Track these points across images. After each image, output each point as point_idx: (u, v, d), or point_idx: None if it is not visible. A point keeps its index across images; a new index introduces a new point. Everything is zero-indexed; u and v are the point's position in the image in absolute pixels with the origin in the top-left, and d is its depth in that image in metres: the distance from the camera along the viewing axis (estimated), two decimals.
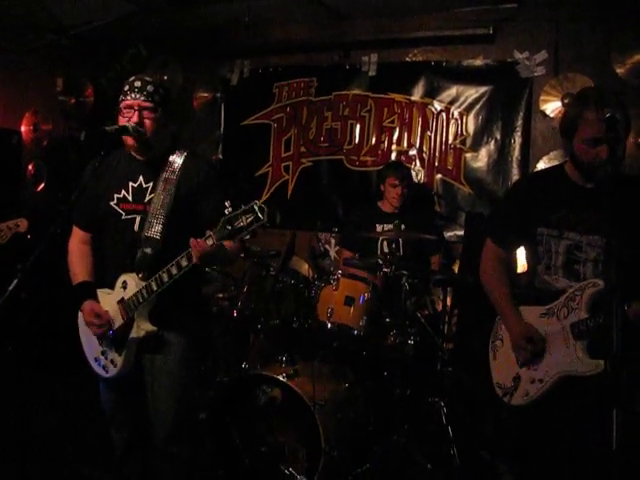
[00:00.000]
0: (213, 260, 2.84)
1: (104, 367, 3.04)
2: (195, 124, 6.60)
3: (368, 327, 4.22)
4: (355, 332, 4.19)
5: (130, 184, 2.97)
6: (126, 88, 2.88)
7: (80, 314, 3.10)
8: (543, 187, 2.85)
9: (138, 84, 2.87)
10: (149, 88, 2.87)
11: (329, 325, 4.17)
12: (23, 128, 6.55)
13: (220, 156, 6.53)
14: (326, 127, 6.12)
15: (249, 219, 2.47)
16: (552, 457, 2.72)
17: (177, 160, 2.98)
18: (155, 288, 2.82)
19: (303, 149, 6.22)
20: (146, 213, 2.90)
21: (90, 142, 6.62)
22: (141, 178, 2.97)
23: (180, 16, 5.99)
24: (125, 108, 2.89)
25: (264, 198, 6.33)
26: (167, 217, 2.87)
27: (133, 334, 2.91)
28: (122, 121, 2.89)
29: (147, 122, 2.88)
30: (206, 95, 6.60)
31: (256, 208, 2.47)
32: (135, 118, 2.85)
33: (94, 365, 3.09)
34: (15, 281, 2.63)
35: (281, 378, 3.74)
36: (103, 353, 3.03)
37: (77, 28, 6.29)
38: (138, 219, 2.92)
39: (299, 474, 3.61)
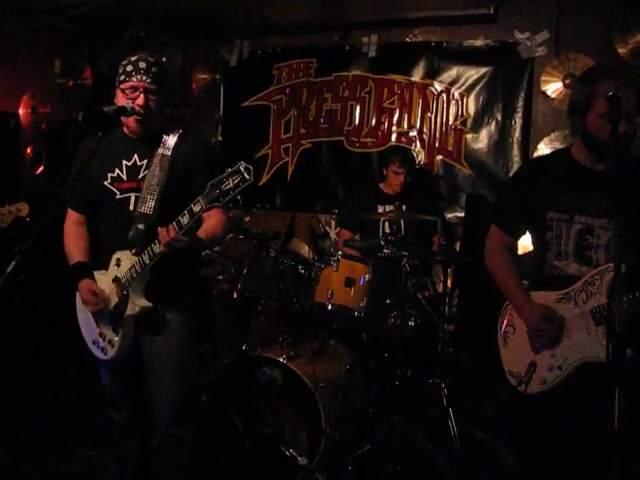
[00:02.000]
0: (188, 245, 2.75)
1: (102, 349, 3.03)
2: (194, 106, 6.57)
3: (368, 308, 4.21)
4: (355, 313, 4.18)
5: (124, 162, 2.96)
6: (130, 69, 2.84)
7: (77, 296, 3.10)
8: (550, 171, 2.80)
9: (143, 65, 2.83)
10: (154, 70, 2.85)
11: (329, 306, 4.16)
12: (21, 111, 6.51)
13: (220, 138, 6.50)
14: (326, 108, 6.09)
15: (236, 180, 2.47)
16: (562, 443, 2.69)
17: (171, 138, 2.97)
18: (147, 261, 2.80)
19: (303, 130, 6.19)
20: (140, 190, 2.90)
21: (88, 123, 6.63)
22: (135, 156, 2.96)
23: None
24: (129, 89, 2.85)
25: (264, 180, 6.32)
26: (160, 194, 2.86)
27: (129, 311, 2.90)
28: (123, 101, 2.86)
29: (152, 104, 2.86)
30: (205, 77, 6.56)
31: (242, 169, 2.46)
32: (141, 100, 2.83)
33: (93, 348, 3.08)
34: (13, 263, 2.62)
35: (282, 360, 3.74)
36: (101, 335, 3.03)
37: (75, 9, 6.23)
38: (133, 197, 2.91)
39: (300, 455, 3.62)
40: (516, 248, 2.99)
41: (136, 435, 3.20)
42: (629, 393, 1.83)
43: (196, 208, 2.60)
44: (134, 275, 2.85)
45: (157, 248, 2.74)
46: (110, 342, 2.99)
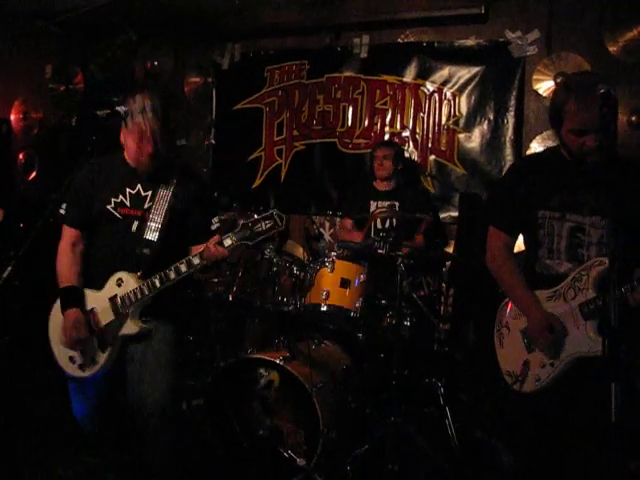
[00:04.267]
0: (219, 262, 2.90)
1: (80, 366, 3.02)
2: (187, 109, 6.57)
3: (364, 309, 4.21)
4: (351, 314, 4.18)
5: (128, 190, 3.03)
6: (137, 109, 2.88)
7: (53, 312, 3.14)
8: (541, 169, 2.81)
9: (149, 105, 2.88)
10: (158, 110, 2.90)
11: (325, 307, 4.16)
12: (12, 117, 6.50)
13: (212, 141, 6.50)
14: (318, 110, 6.10)
15: (268, 225, 2.69)
16: (559, 439, 2.70)
17: (173, 173, 3.07)
18: (158, 284, 2.88)
19: (296, 132, 6.20)
20: (144, 218, 2.98)
21: (81, 128, 6.62)
22: (139, 186, 3.04)
23: (170, 0, 5.94)
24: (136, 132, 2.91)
25: (257, 182, 6.33)
26: (164, 224, 2.97)
27: (124, 331, 2.95)
28: (130, 141, 2.94)
29: (159, 145, 2.94)
30: (197, 80, 6.57)
31: (275, 215, 2.68)
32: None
33: (65, 364, 3.07)
34: (9, 269, 2.62)
35: (278, 361, 3.74)
36: (82, 352, 3.01)
37: (66, 14, 6.22)
38: (136, 222, 2.99)
39: (298, 457, 3.61)
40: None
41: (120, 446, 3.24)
42: (624, 387, 1.85)
43: (226, 242, 2.77)
44: (139, 297, 2.91)
45: (173, 274, 2.85)
46: (93, 359, 3.00)
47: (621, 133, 4.80)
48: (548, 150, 3.00)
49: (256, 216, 2.71)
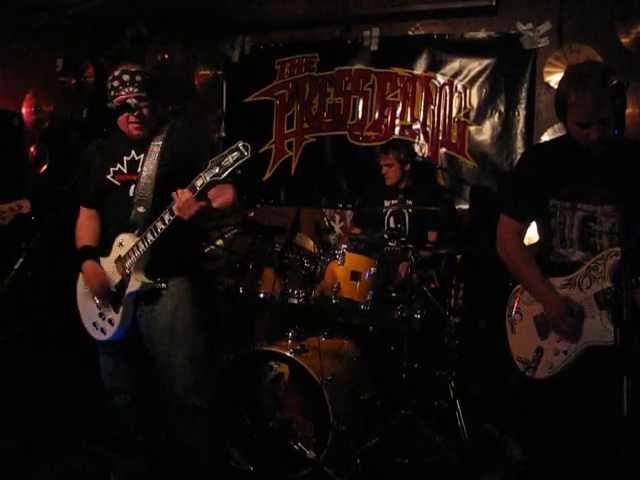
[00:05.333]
0: (198, 213, 2.84)
1: (102, 329, 3.16)
2: (197, 102, 6.57)
3: (374, 302, 4.21)
4: (361, 307, 4.19)
5: (124, 158, 3.15)
6: (116, 84, 3.00)
7: (79, 281, 3.27)
8: (552, 158, 2.79)
9: (127, 77, 2.99)
10: (138, 78, 3.01)
11: (335, 300, 4.17)
12: (24, 110, 6.52)
13: (223, 134, 6.50)
14: (329, 103, 6.08)
15: (235, 157, 2.67)
16: (570, 430, 2.70)
17: (163, 129, 3.15)
18: (151, 237, 2.94)
19: (306, 125, 6.19)
20: (139, 180, 3.07)
21: (92, 120, 6.63)
22: (133, 152, 3.14)
23: None
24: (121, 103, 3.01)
25: (268, 175, 6.33)
26: (156, 179, 3.04)
27: (129, 288, 3.04)
28: (121, 118, 3.04)
29: (144, 111, 3.04)
30: (207, 73, 6.56)
31: (240, 146, 2.67)
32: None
33: (92, 330, 3.22)
34: (20, 260, 2.64)
35: (288, 354, 3.75)
36: (101, 315, 3.16)
37: (76, 7, 6.23)
38: (132, 186, 3.08)
39: (308, 449, 3.62)
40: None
41: (144, 429, 3.26)
42: (636, 380, 1.84)
43: (198, 183, 2.77)
44: (137, 253, 2.99)
45: (160, 224, 2.89)
46: (110, 321, 3.12)
47: (631, 125, 4.77)
48: (560, 138, 2.98)
49: (222, 152, 2.71)
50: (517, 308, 2.92)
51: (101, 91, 3.31)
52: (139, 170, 3.08)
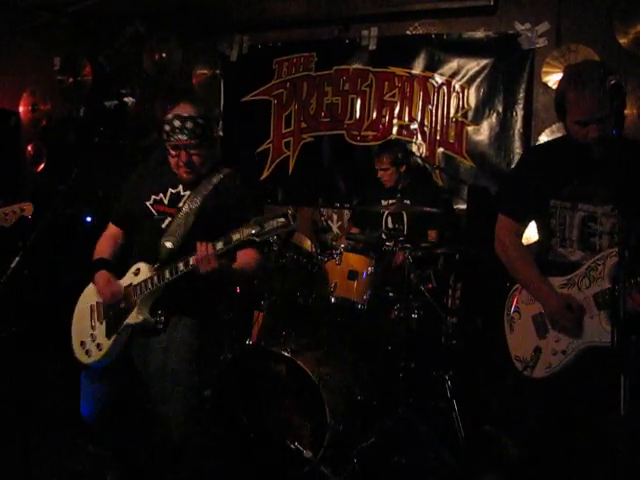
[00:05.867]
0: (216, 270, 2.76)
1: (87, 351, 3.05)
2: (195, 101, 6.55)
3: (372, 301, 4.21)
4: (359, 306, 4.20)
5: (170, 190, 3.06)
6: (168, 129, 2.90)
7: (83, 295, 3.17)
8: (552, 158, 2.80)
9: (178, 124, 2.88)
10: (189, 126, 2.89)
11: (333, 300, 4.17)
12: (21, 109, 6.52)
13: (220, 133, 6.49)
14: (327, 102, 6.08)
15: (280, 223, 2.60)
16: (568, 430, 2.70)
17: (215, 177, 3.06)
18: (168, 275, 2.85)
19: (304, 125, 6.19)
20: (176, 215, 2.99)
21: (89, 119, 6.62)
22: (180, 187, 3.05)
23: None
24: (172, 148, 2.94)
25: (265, 174, 6.32)
26: (194, 221, 2.95)
27: (130, 320, 2.94)
28: (172, 160, 2.97)
29: (195, 159, 2.95)
30: (205, 72, 6.56)
31: (289, 214, 2.60)
32: (183, 157, 2.92)
33: (77, 349, 3.10)
34: (17, 259, 2.64)
35: (286, 353, 3.74)
36: (92, 336, 3.05)
37: (74, 6, 6.23)
38: (168, 220, 2.99)
39: (305, 449, 3.62)
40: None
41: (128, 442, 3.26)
42: (634, 380, 1.84)
43: (235, 236, 2.68)
44: (149, 287, 2.89)
45: (182, 266, 2.79)
46: (98, 345, 3.02)
47: (630, 126, 4.77)
48: (560, 139, 2.98)
49: (269, 215, 2.63)
50: (516, 307, 2.92)
51: (99, 90, 3.28)
52: (180, 205, 3.00)
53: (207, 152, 3.00)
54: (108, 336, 2.99)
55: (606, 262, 2.58)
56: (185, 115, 2.90)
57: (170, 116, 2.92)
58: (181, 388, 2.95)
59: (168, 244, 2.93)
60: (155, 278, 2.88)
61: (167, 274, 2.85)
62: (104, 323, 3.03)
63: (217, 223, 2.92)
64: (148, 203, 3.04)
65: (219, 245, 2.71)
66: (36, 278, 4.82)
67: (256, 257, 3.02)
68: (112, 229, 3.24)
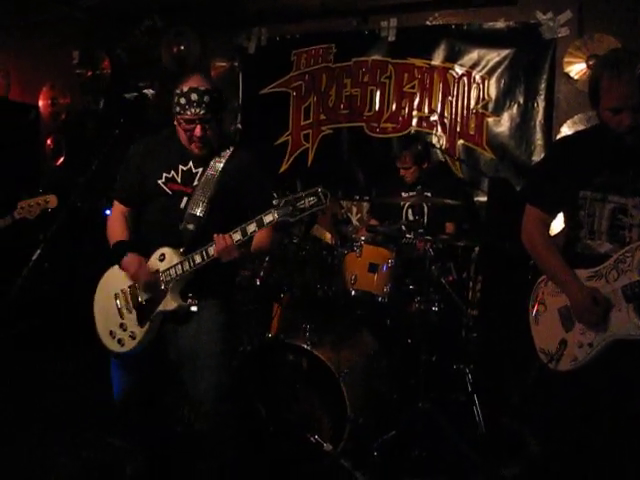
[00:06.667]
0: (238, 257, 2.79)
1: (119, 341, 3.01)
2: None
3: (392, 294, 4.19)
4: (379, 299, 4.17)
5: (180, 167, 3.01)
6: (183, 101, 2.84)
7: (102, 281, 3.14)
8: (583, 149, 2.76)
9: (195, 97, 2.83)
10: (206, 99, 2.84)
11: (353, 292, 4.15)
12: (41, 102, 6.55)
13: (239, 126, 6.49)
14: (346, 94, 6.05)
15: (312, 201, 2.58)
16: (591, 424, 2.66)
17: (227, 151, 3.03)
18: (199, 260, 2.82)
19: (323, 117, 6.16)
20: (192, 195, 2.95)
21: (108, 112, 6.63)
22: (191, 163, 3.01)
23: None
24: (185, 122, 2.88)
25: (284, 167, 6.31)
26: (211, 199, 2.92)
27: (162, 307, 2.91)
28: (181, 131, 2.91)
29: (209, 133, 2.90)
30: (224, 64, 6.55)
31: (320, 192, 2.58)
32: (198, 132, 2.87)
33: (107, 340, 3.06)
34: (38, 251, 2.64)
35: (305, 346, 3.73)
36: (121, 325, 3.01)
37: (91, 0, 6.24)
38: (185, 198, 2.95)
39: (325, 442, 3.60)
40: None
41: (157, 425, 3.25)
42: None
43: (267, 218, 2.65)
44: (179, 272, 2.86)
45: (212, 250, 2.77)
46: (132, 334, 2.98)
47: None
48: (591, 128, 2.94)
49: (300, 192, 2.61)
50: (541, 299, 2.88)
51: (118, 83, 3.26)
52: (195, 184, 2.96)
53: (219, 126, 2.96)
54: (141, 324, 2.96)
55: (635, 254, 2.54)
56: (202, 88, 2.85)
57: (185, 89, 2.85)
58: (214, 368, 2.94)
59: (190, 226, 2.90)
60: (186, 263, 2.85)
61: (198, 259, 2.82)
62: (134, 312, 2.99)
63: (233, 201, 2.94)
64: (160, 182, 2.98)
65: (250, 228, 2.69)
66: (55, 271, 4.85)
67: (271, 234, 3.01)
68: (119, 208, 3.16)
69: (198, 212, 2.91)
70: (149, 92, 2.91)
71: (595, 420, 2.66)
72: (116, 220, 3.14)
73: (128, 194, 3.13)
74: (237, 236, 2.72)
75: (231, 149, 3.04)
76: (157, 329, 2.97)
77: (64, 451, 3.76)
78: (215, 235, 2.73)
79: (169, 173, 2.99)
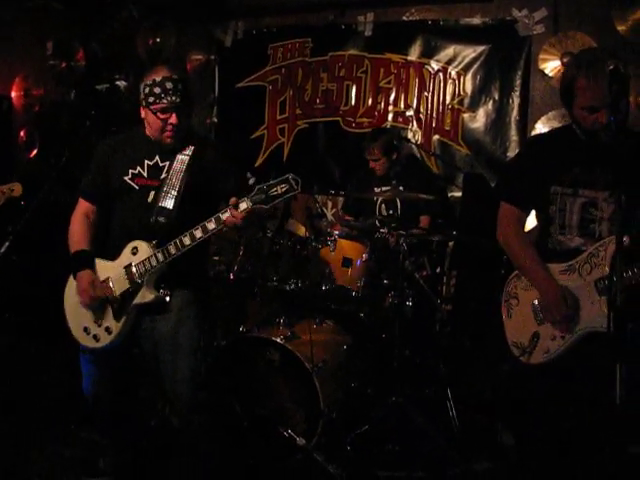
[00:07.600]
0: (242, 227, 2.82)
1: (95, 336, 3.00)
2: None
3: (366, 288, 4.20)
4: (353, 294, 4.18)
5: (146, 162, 3.02)
6: (158, 91, 2.86)
7: (70, 282, 3.10)
8: (555, 146, 2.81)
9: (170, 85, 2.85)
10: (181, 87, 2.88)
11: (326, 287, 4.15)
12: (13, 94, 6.44)
13: (215, 119, 6.46)
14: (322, 88, 6.06)
15: (284, 188, 2.65)
16: (564, 416, 2.69)
17: (190, 142, 3.04)
18: (173, 251, 2.84)
19: (299, 111, 6.16)
20: (160, 188, 2.96)
21: (81, 103, 6.55)
22: (157, 157, 3.02)
23: None
24: (160, 111, 2.89)
25: (260, 161, 6.30)
26: (181, 192, 2.93)
27: (138, 299, 2.91)
28: (154, 120, 2.92)
29: (182, 120, 2.93)
30: (200, 57, 6.51)
31: (291, 179, 2.65)
32: (174, 119, 2.89)
33: (81, 336, 3.05)
34: (6, 244, 2.61)
35: (279, 340, 3.73)
36: (96, 322, 3.00)
37: None
38: (152, 192, 2.96)
39: (298, 436, 3.60)
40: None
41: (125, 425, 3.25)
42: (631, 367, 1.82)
43: (242, 206, 2.68)
44: (153, 264, 2.87)
45: (189, 240, 2.80)
46: (107, 329, 2.98)
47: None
48: (562, 127, 2.99)
49: (272, 180, 2.66)
50: (514, 293, 2.91)
51: (92, 74, 3.23)
52: (162, 177, 2.97)
53: (189, 116, 3.01)
54: (117, 319, 2.96)
55: (608, 248, 2.57)
56: (176, 77, 2.88)
57: (158, 78, 2.86)
58: (191, 355, 2.97)
59: (161, 219, 2.90)
60: (159, 255, 2.86)
61: (173, 250, 2.84)
62: (109, 307, 2.98)
63: (203, 191, 2.96)
64: (127, 178, 3.00)
65: (224, 216, 2.73)
66: (25, 265, 4.79)
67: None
68: (84, 206, 3.15)
69: (169, 204, 2.91)
70: (121, 84, 2.89)
71: (568, 412, 2.69)
72: (78, 222, 3.12)
73: (94, 191, 3.13)
74: (211, 225, 2.76)
75: (196, 140, 3.05)
76: (132, 322, 2.97)
77: (36, 446, 3.74)
78: (231, 209, 2.72)
79: (135, 169, 3.00)
